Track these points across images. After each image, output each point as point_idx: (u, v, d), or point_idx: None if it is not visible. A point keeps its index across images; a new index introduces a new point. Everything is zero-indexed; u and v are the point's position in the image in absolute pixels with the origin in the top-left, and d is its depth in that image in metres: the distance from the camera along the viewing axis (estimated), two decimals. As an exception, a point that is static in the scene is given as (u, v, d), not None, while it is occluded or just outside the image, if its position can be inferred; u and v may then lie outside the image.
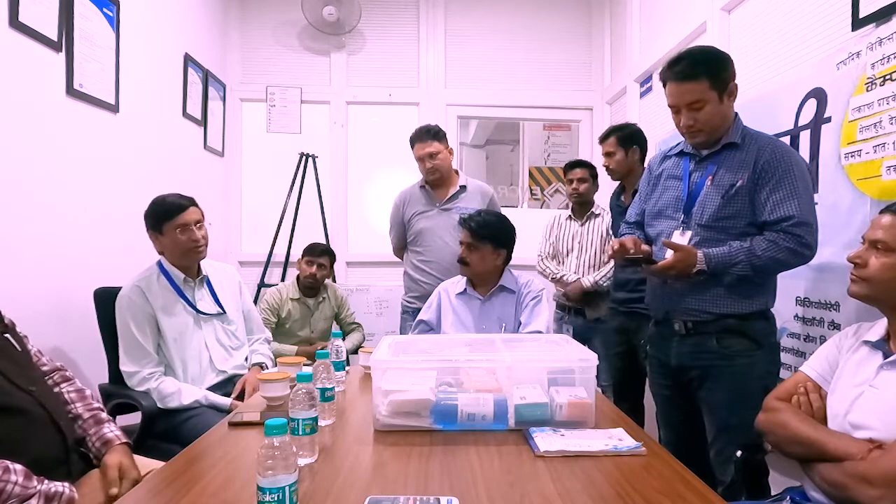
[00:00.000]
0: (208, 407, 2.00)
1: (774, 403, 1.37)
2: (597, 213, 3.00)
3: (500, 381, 1.52)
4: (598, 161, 2.97)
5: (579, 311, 2.97)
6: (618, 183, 2.83)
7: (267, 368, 2.23)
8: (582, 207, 3.03)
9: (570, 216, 3.08)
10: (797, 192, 1.59)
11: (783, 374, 1.84)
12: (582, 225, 3.01)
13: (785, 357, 1.93)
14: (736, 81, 1.69)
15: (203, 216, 2.13)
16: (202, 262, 2.18)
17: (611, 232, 2.87)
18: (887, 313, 1.27)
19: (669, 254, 1.68)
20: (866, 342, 1.30)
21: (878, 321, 1.31)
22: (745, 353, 1.65)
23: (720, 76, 1.64)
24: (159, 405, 1.95)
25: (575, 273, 2.95)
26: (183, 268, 2.12)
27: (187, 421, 1.93)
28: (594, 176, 3.02)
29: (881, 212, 1.27)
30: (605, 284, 2.85)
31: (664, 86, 1.72)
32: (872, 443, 1.14)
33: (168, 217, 2.04)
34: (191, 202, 2.10)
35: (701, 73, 1.63)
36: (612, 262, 2.80)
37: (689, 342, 1.73)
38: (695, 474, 1.15)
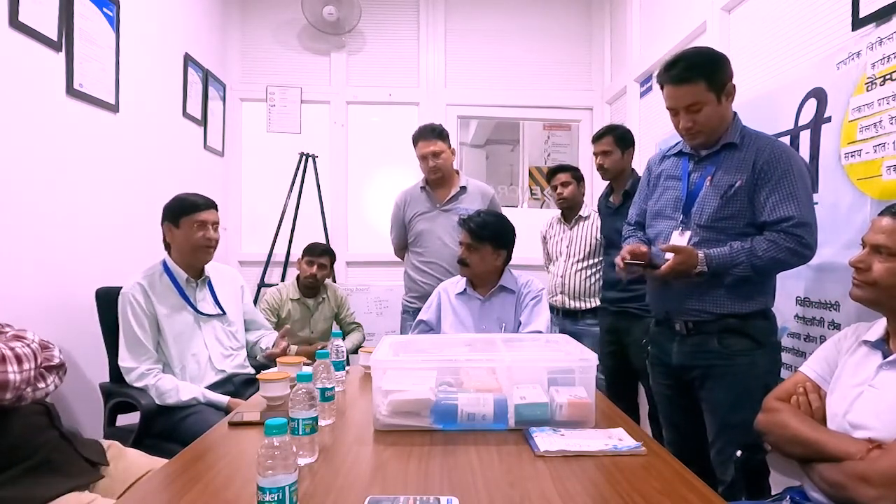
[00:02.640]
0: (206, 405, 2.00)
1: (774, 404, 1.37)
2: (585, 215, 3.01)
3: (500, 381, 1.52)
4: (591, 161, 2.97)
5: (568, 314, 2.98)
6: (607, 184, 2.83)
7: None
8: (570, 211, 3.04)
9: (559, 219, 3.10)
10: (796, 192, 1.59)
11: (783, 373, 1.84)
12: (571, 228, 3.02)
13: (785, 357, 1.93)
14: (734, 82, 1.69)
15: (219, 221, 2.19)
16: (206, 264, 2.20)
17: (601, 234, 2.87)
18: (888, 315, 1.27)
19: (670, 256, 1.68)
20: (865, 342, 1.30)
21: (877, 321, 1.31)
22: (745, 353, 1.65)
23: (717, 77, 1.64)
24: (157, 402, 1.96)
25: (561, 277, 2.97)
26: (187, 267, 2.14)
27: (186, 419, 1.94)
28: (578, 178, 3.02)
29: (880, 213, 1.27)
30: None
31: (661, 88, 1.72)
32: (872, 443, 1.14)
33: (189, 211, 2.10)
34: (213, 204, 2.17)
35: (698, 75, 1.63)
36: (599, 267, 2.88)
37: (689, 342, 1.74)
38: (695, 474, 1.15)
